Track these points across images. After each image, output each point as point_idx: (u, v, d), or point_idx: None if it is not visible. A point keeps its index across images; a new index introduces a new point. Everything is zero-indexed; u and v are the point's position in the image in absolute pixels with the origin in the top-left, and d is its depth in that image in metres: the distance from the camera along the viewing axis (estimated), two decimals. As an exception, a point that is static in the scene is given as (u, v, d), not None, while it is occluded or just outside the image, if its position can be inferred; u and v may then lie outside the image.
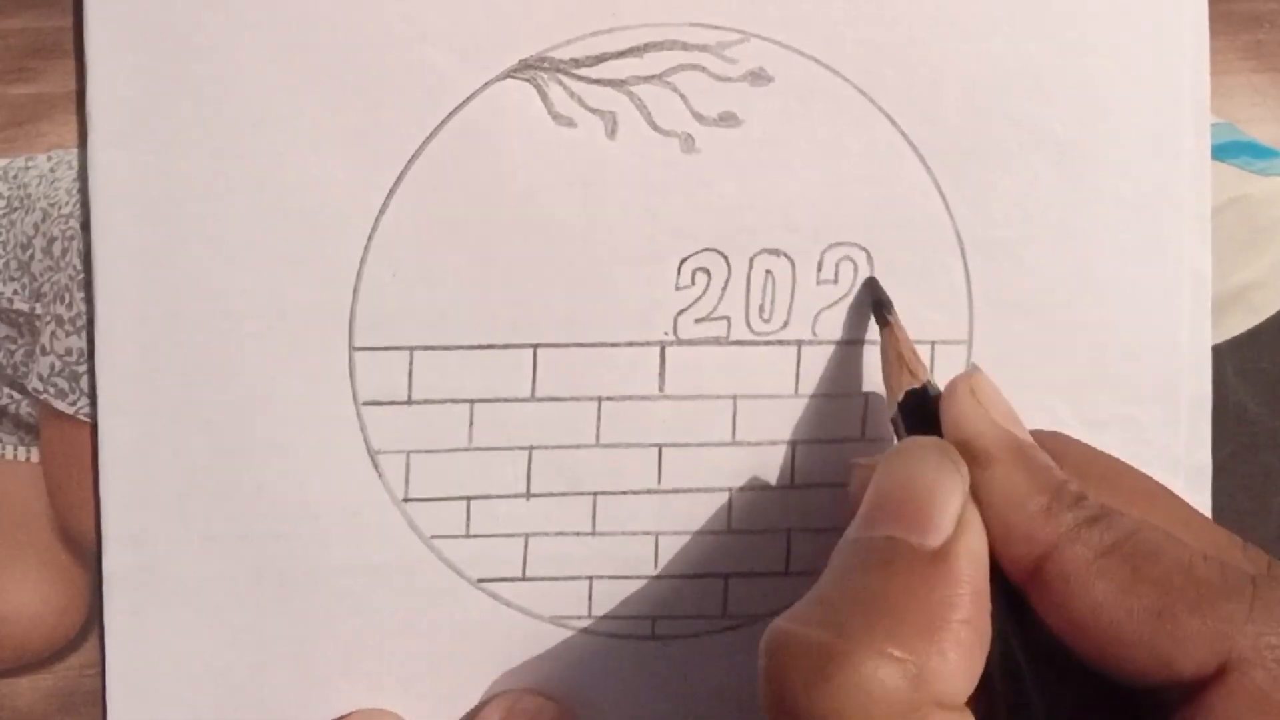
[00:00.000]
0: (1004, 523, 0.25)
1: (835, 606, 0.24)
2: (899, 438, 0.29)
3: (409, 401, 0.31)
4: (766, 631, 0.24)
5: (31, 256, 0.31)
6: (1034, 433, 0.28)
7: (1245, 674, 0.23)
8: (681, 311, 0.32)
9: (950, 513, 0.25)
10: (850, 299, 0.32)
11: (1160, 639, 0.23)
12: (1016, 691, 0.25)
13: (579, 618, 0.32)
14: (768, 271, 0.32)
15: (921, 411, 0.29)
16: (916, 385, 0.29)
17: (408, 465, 0.32)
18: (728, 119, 0.32)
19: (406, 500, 0.32)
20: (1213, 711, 0.23)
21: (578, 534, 0.32)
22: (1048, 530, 0.25)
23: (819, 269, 0.32)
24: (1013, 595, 0.25)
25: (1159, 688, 0.24)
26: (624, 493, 0.32)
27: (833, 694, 0.22)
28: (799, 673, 0.23)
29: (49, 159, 0.31)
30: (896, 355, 0.30)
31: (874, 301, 0.32)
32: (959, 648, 0.23)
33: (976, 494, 0.26)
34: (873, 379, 0.32)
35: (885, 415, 0.32)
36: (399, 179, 0.31)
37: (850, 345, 0.32)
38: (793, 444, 0.33)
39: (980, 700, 0.24)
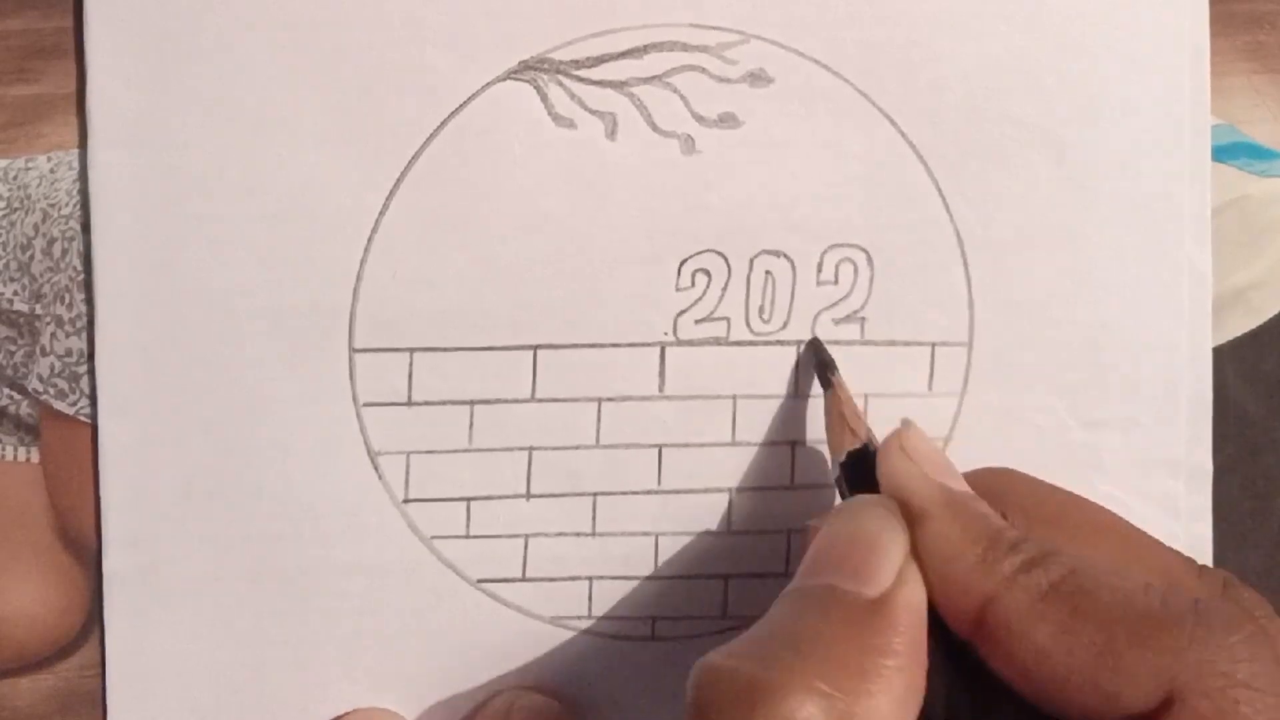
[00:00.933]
0: (942, 577, 0.25)
1: (766, 643, 0.24)
2: (843, 497, 0.30)
3: (409, 402, 0.31)
4: (695, 665, 0.24)
5: (31, 257, 0.31)
6: (982, 471, 0.28)
7: (1189, 704, 0.22)
8: (681, 312, 0.32)
9: (890, 565, 0.25)
10: (850, 299, 0.32)
11: (1104, 676, 0.23)
12: None
13: (579, 618, 0.32)
14: (768, 272, 0.32)
15: (864, 469, 0.29)
16: (858, 445, 0.29)
17: (408, 466, 0.32)
18: (728, 120, 0.32)
19: (406, 501, 0.32)
20: None
21: (578, 534, 0.32)
22: (985, 581, 0.24)
23: (819, 270, 0.32)
24: (957, 651, 0.25)
25: None
26: (624, 493, 0.32)
27: None
28: (726, 704, 0.23)
29: (49, 160, 0.31)
30: (839, 415, 0.30)
31: (818, 362, 0.32)
32: (889, 693, 0.23)
33: (915, 551, 0.25)
34: (872, 381, 0.32)
35: (892, 413, 0.32)
36: (399, 180, 0.31)
37: (850, 346, 0.32)
38: (792, 445, 0.33)
39: None
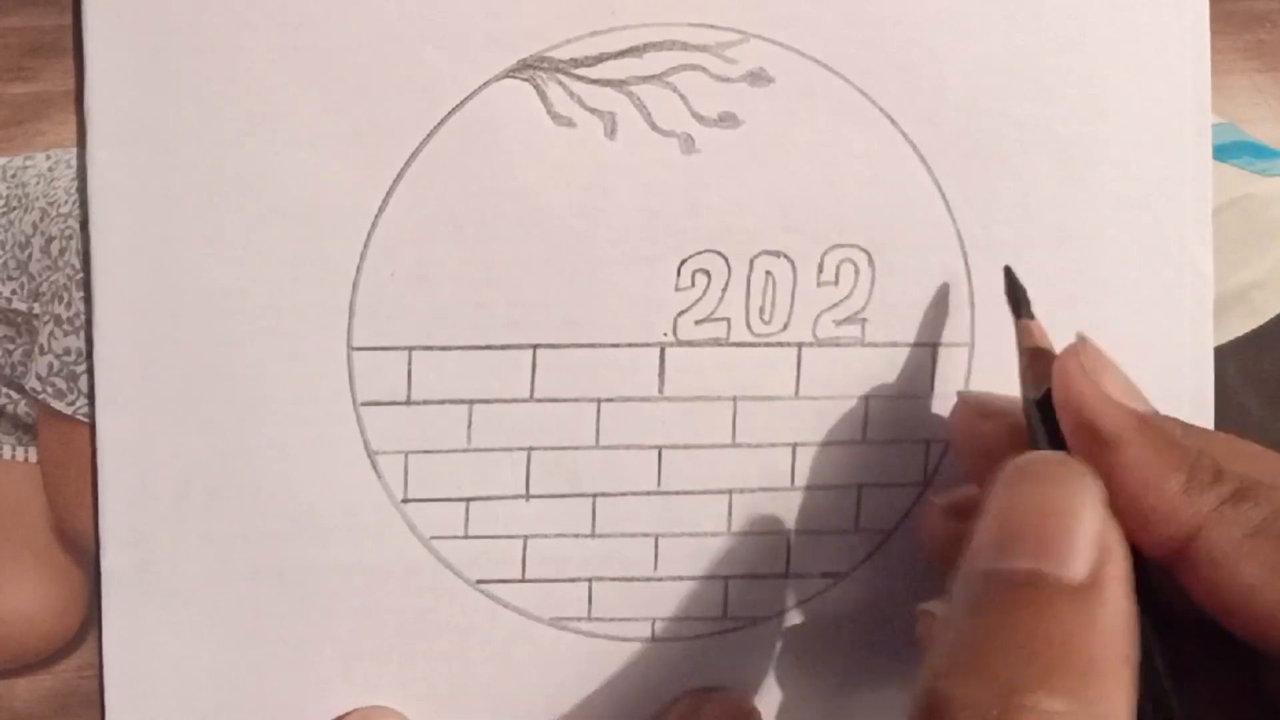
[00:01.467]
0: (1142, 506, 0.24)
1: (992, 659, 0.22)
2: (1032, 437, 0.28)
3: (408, 402, 0.31)
4: (924, 693, 0.22)
5: (30, 256, 0.31)
6: None
7: None
8: (681, 313, 0.32)
9: (1091, 538, 0.23)
10: (851, 300, 0.32)
11: None
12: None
13: (579, 619, 0.32)
14: (768, 273, 0.32)
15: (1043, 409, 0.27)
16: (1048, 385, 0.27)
17: (406, 466, 0.31)
18: (728, 119, 0.32)
19: (405, 501, 0.32)
20: None
21: (577, 535, 0.32)
22: (1190, 512, 0.24)
23: (819, 270, 0.32)
24: (1147, 585, 0.24)
25: None
26: (624, 494, 0.32)
27: None
28: None
29: (47, 158, 0.31)
30: (1034, 349, 0.29)
31: (1010, 292, 0.30)
32: (1122, 685, 0.22)
33: (1109, 479, 0.24)
34: (873, 382, 0.32)
35: (886, 419, 0.32)
36: (398, 178, 0.31)
37: (851, 347, 0.32)
38: (793, 446, 0.32)
39: None
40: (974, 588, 0.23)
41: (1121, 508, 0.24)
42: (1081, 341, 0.27)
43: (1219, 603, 0.23)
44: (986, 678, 0.22)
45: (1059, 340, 0.31)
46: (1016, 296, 0.30)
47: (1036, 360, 0.28)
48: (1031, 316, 0.30)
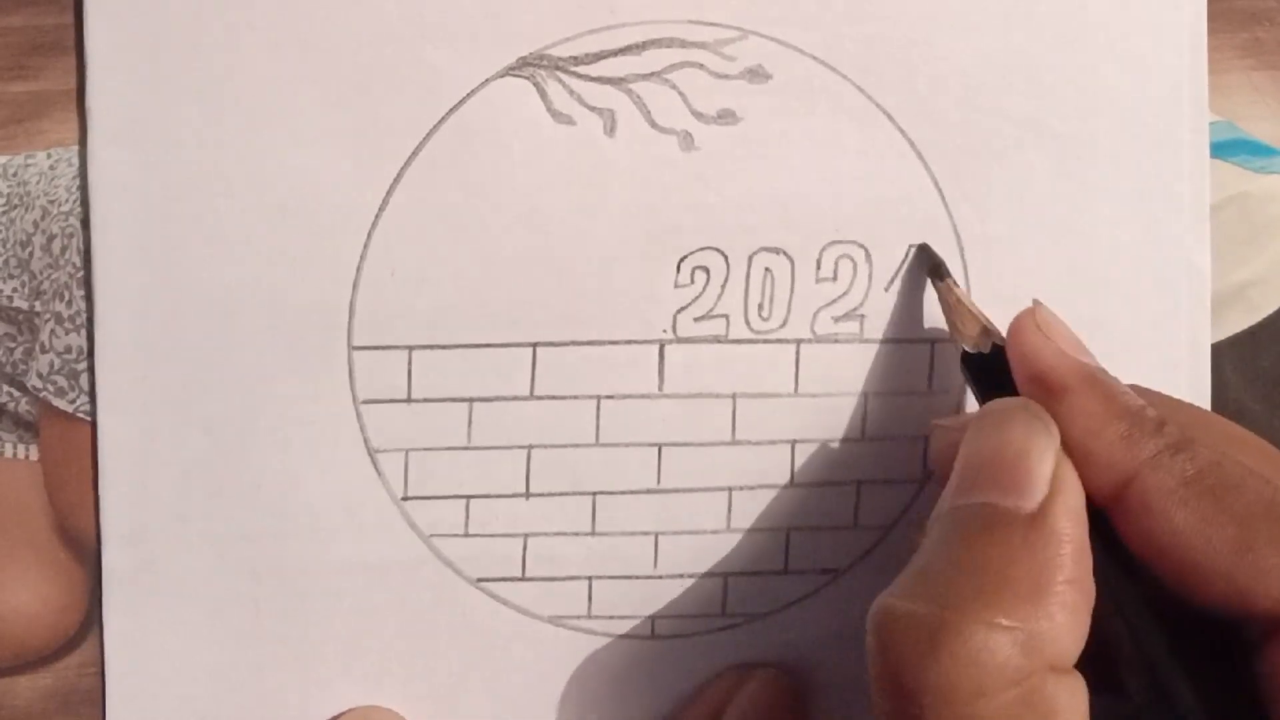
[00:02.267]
0: (1084, 451, 0.25)
1: (938, 578, 0.24)
2: (974, 391, 0.30)
3: (408, 400, 0.31)
4: (873, 609, 0.24)
5: (31, 254, 0.31)
6: None
7: None
8: (681, 310, 0.32)
9: (1044, 473, 0.24)
10: (849, 296, 0.32)
11: (1239, 572, 0.23)
12: (1128, 640, 0.25)
13: (578, 617, 0.32)
14: (767, 269, 0.32)
15: (991, 364, 0.29)
16: (979, 332, 0.30)
17: (407, 464, 0.32)
18: (726, 117, 0.32)
19: (405, 499, 0.32)
20: None
21: (577, 533, 0.32)
22: (1129, 457, 0.25)
23: (818, 267, 0.32)
24: (1109, 537, 0.25)
25: (1241, 622, 0.24)
26: (623, 492, 0.32)
27: (944, 666, 0.22)
28: (909, 647, 0.23)
29: (49, 156, 0.31)
30: (958, 303, 0.30)
31: (930, 265, 0.32)
32: (1065, 610, 0.23)
33: (1058, 425, 0.25)
34: (872, 378, 0.32)
35: (885, 415, 0.32)
36: (398, 177, 0.31)
37: (850, 344, 0.32)
38: (792, 443, 0.32)
39: (1089, 659, 0.23)
40: (937, 524, 0.25)
41: (1068, 452, 0.25)
42: (1037, 303, 0.28)
43: (1151, 549, 0.24)
44: (931, 595, 0.23)
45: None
46: (936, 264, 0.32)
47: (963, 310, 0.30)
48: (953, 279, 0.31)
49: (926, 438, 0.33)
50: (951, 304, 0.31)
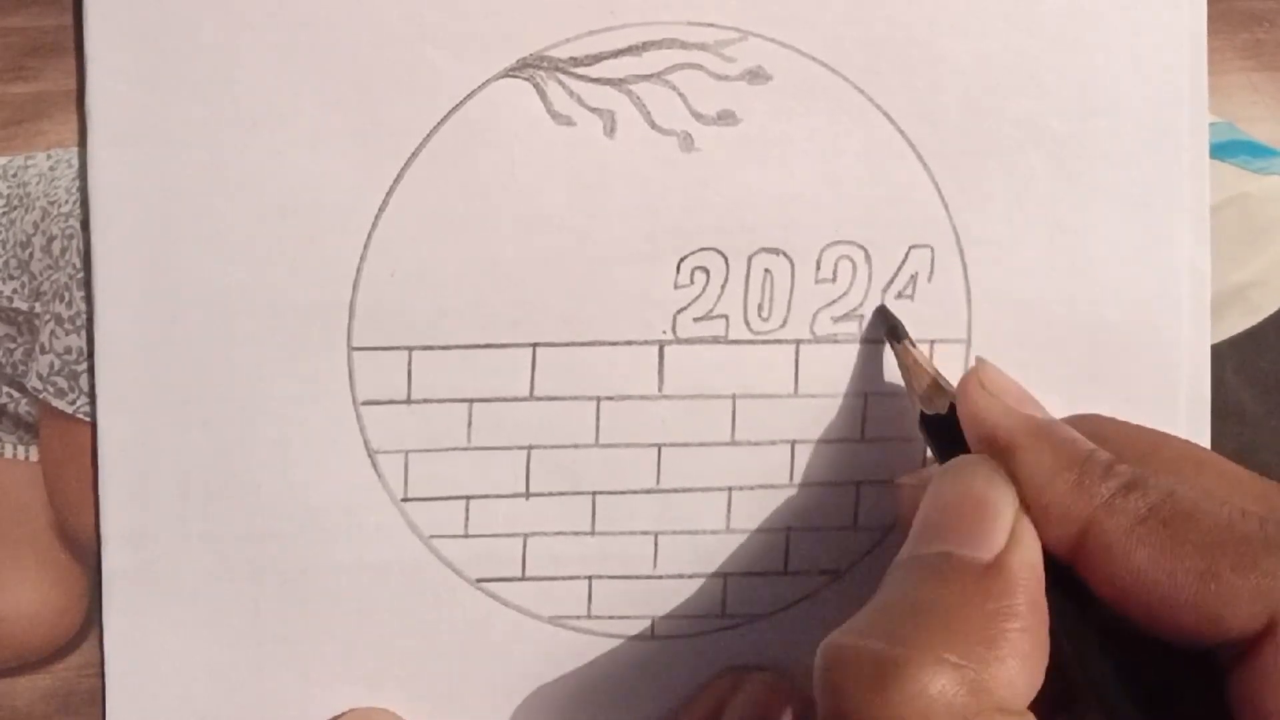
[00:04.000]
0: (1040, 504, 0.25)
1: (890, 617, 0.24)
2: (933, 449, 0.30)
3: (408, 401, 0.31)
4: (822, 646, 0.24)
5: (31, 255, 0.31)
6: (1069, 418, 0.28)
7: None
8: (680, 310, 0.32)
9: (1002, 526, 0.25)
10: (848, 297, 0.32)
11: (1206, 599, 0.23)
12: (1087, 689, 0.25)
13: (578, 618, 0.32)
14: (766, 270, 0.32)
15: (947, 423, 0.29)
16: (930, 388, 0.30)
17: (406, 465, 0.32)
18: (726, 117, 0.32)
19: (405, 500, 0.32)
20: (1266, 667, 0.23)
21: (577, 534, 0.32)
22: (1083, 504, 0.25)
23: (817, 268, 0.32)
24: (1070, 588, 0.25)
25: (1211, 648, 0.24)
26: (623, 492, 0.32)
27: (892, 703, 0.22)
28: (857, 683, 0.23)
29: (48, 157, 0.31)
30: (914, 364, 0.31)
31: (887, 327, 0.32)
32: (1017, 655, 0.23)
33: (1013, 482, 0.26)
34: (871, 379, 0.32)
35: (884, 416, 0.32)
36: (398, 178, 0.31)
37: (849, 344, 0.32)
38: (792, 443, 0.32)
39: (1043, 706, 0.23)
40: (893, 571, 0.25)
41: (1025, 507, 0.25)
42: (981, 362, 0.29)
43: (1117, 592, 0.24)
44: (881, 632, 0.23)
45: (1050, 332, 0.33)
46: (893, 326, 0.32)
47: (919, 370, 0.31)
48: (910, 340, 0.32)
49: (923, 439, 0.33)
50: (909, 365, 0.31)
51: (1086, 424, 0.28)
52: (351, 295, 0.31)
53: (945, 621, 0.23)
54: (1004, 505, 0.25)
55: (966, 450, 0.28)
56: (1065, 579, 0.25)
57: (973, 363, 0.32)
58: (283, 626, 0.31)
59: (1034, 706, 0.23)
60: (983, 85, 0.32)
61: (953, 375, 0.32)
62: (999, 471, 0.26)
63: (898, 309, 0.32)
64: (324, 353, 0.31)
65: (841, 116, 0.32)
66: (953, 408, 0.29)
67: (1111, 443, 0.27)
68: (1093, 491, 0.25)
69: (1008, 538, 0.24)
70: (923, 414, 0.30)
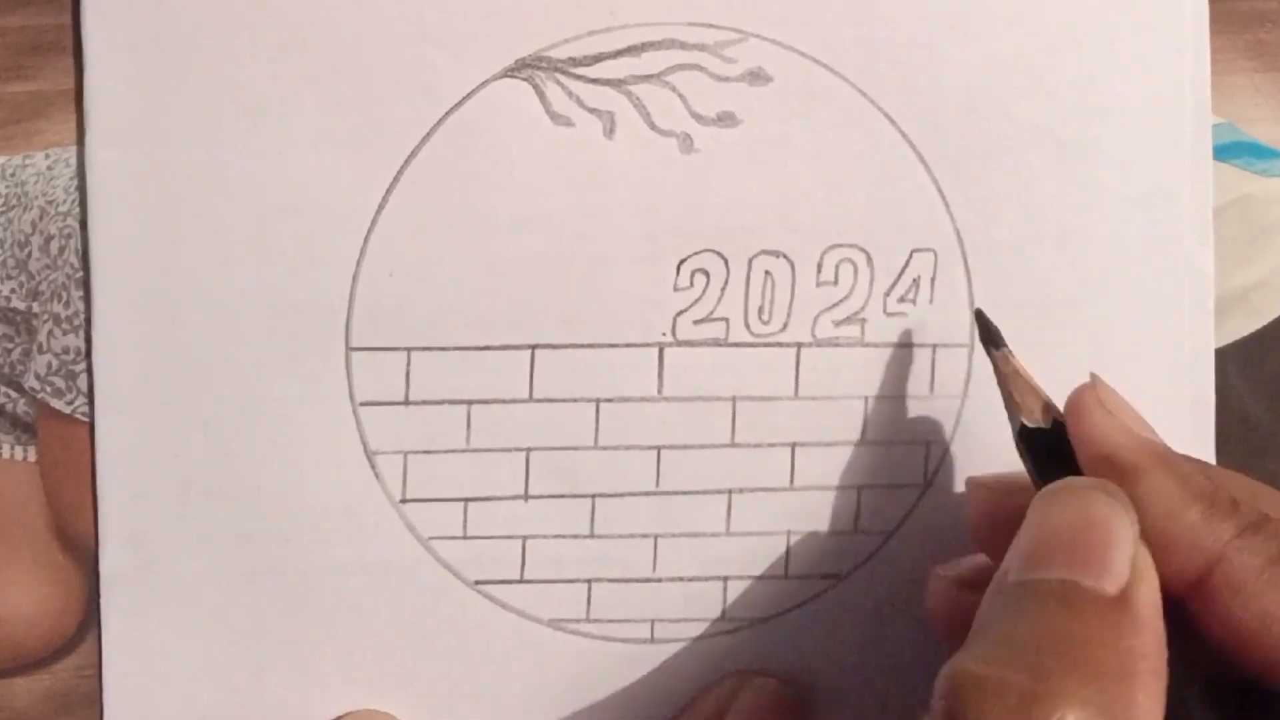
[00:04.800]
0: (1163, 534, 0.24)
1: (1023, 648, 0.23)
2: (1027, 466, 0.29)
3: (406, 402, 0.31)
4: (949, 673, 0.23)
5: (29, 254, 0.31)
6: None
7: None
8: (680, 312, 0.32)
9: (1126, 555, 0.24)
10: (850, 300, 0.32)
11: None
12: None
13: (577, 620, 0.32)
14: (767, 273, 0.32)
15: (1048, 439, 0.28)
16: (1037, 409, 0.29)
17: (405, 466, 0.31)
18: (726, 119, 0.32)
19: (404, 501, 0.32)
20: None
21: (576, 536, 0.32)
22: (1211, 539, 0.24)
23: (818, 270, 0.32)
24: (1179, 626, 0.24)
25: None
26: (622, 495, 0.32)
27: None
28: (995, 715, 0.22)
29: (47, 157, 0.31)
30: (1015, 374, 0.29)
31: (983, 332, 0.31)
32: (1149, 695, 0.22)
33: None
34: (872, 382, 0.32)
35: (885, 419, 0.32)
36: (396, 178, 0.31)
37: (850, 348, 0.32)
38: (792, 446, 0.32)
39: None
40: (1006, 596, 0.24)
41: (1145, 537, 0.24)
42: (1096, 379, 0.28)
43: (1237, 634, 0.24)
44: (1018, 663, 0.22)
45: (1054, 335, 0.33)
46: (992, 332, 0.30)
47: (1019, 382, 0.29)
48: (1007, 348, 0.30)
49: (928, 443, 0.32)
50: (1008, 374, 0.29)
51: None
52: (350, 296, 0.31)
53: (1084, 657, 0.22)
54: (1127, 533, 0.24)
55: (1074, 470, 0.27)
56: (1174, 617, 0.24)
57: (976, 368, 0.32)
58: (281, 627, 0.31)
59: None
60: (985, 87, 0.32)
61: (956, 382, 0.32)
62: (1120, 496, 0.25)
63: (897, 312, 0.32)
64: (322, 353, 0.31)
65: (843, 118, 0.32)
66: (1057, 424, 0.28)
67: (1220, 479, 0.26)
68: (1221, 527, 0.24)
69: (1131, 569, 0.23)
70: (1025, 427, 0.29)
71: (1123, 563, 0.23)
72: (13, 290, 0.31)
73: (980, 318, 0.31)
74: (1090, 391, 0.27)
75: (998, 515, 0.29)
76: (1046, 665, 0.22)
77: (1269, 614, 0.23)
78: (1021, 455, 0.29)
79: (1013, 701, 0.22)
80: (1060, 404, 0.28)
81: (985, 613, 0.24)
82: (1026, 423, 0.28)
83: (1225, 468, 0.27)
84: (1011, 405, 0.29)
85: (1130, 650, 0.23)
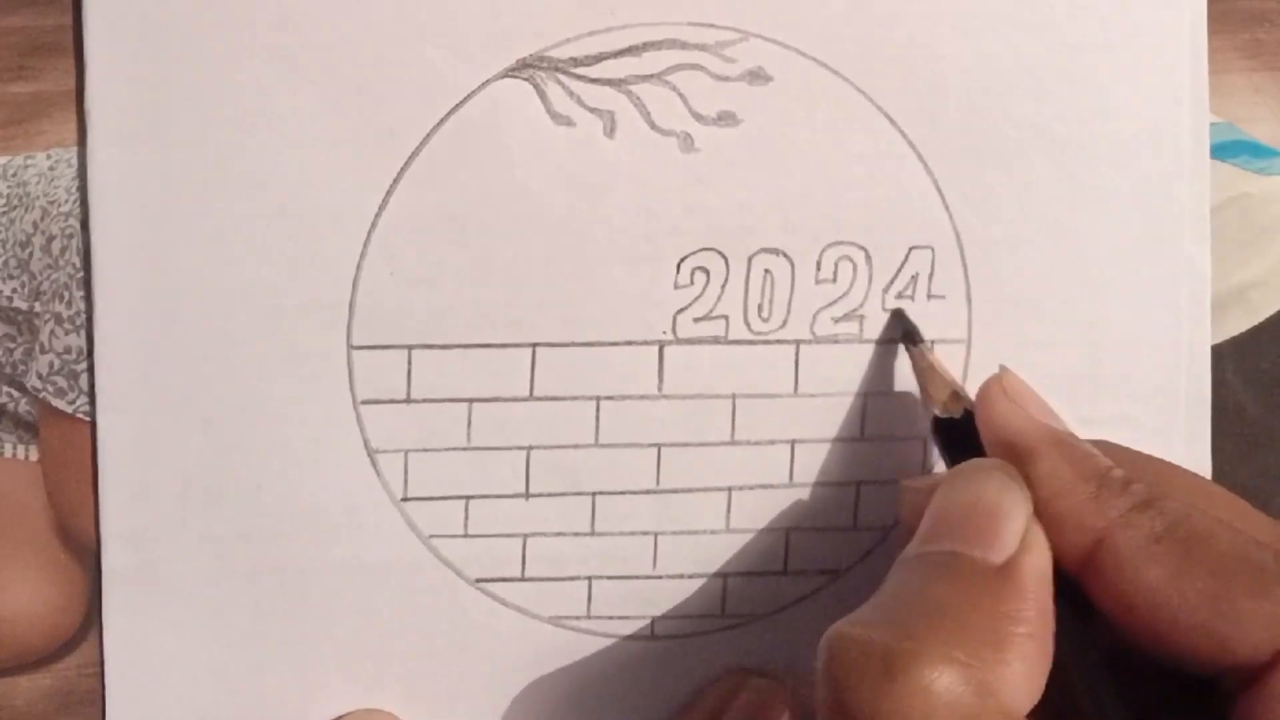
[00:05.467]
0: (1054, 513, 0.25)
1: (898, 611, 0.24)
2: (942, 453, 0.30)
3: (407, 400, 0.31)
4: (826, 635, 0.24)
5: (30, 254, 0.31)
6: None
7: None
8: (680, 311, 0.32)
9: (1014, 529, 0.25)
10: (848, 297, 0.32)
11: (1216, 622, 0.23)
12: (1086, 700, 0.25)
13: (578, 618, 0.32)
14: (766, 271, 0.32)
15: (959, 427, 0.29)
16: (949, 396, 0.30)
17: (406, 464, 0.32)
18: (726, 118, 0.32)
19: (405, 500, 0.32)
20: (1271, 696, 0.23)
21: (576, 534, 0.32)
22: (1098, 517, 0.25)
23: (818, 268, 0.32)
24: (1074, 600, 0.25)
25: (1217, 674, 0.24)
26: (623, 493, 0.32)
27: (896, 695, 0.22)
28: (862, 673, 0.22)
29: (48, 157, 0.31)
30: (931, 368, 0.31)
31: (903, 331, 0.32)
32: (1023, 660, 0.23)
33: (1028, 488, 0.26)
34: (872, 379, 0.32)
35: (884, 416, 0.32)
36: (397, 178, 0.31)
37: (850, 345, 0.32)
38: (792, 443, 0.32)
39: (1039, 718, 0.23)
40: (900, 568, 0.25)
41: (1038, 515, 0.25)
42: (1004, 369, 0.29)
43: (1124, 609, 0.24)
44: (889, 625, 0.23)
45: (1051, 333, 0.33)
46: (909, 329, 0.32)
47: (934, 375, 0.31)
48: (926, 344, 0.32)
49: (927, 439, 0.33)
50: (924, 369, 0.31)
51: (1097, 447, 0.28)
52: (351, 294, 0.31)
53: (954, 619, 0.23)
54: (1018, 509, 0.25)
55: (980, 456, 0.28)
56: (1070, 592, 0.25)
57: (973, 365, 0.32)
58: (282, 626, 0.31)
59: (1032, 716, 0.23)
60: (984, 86, 0.32)
61: (955, 376, 0.32)
62: (1015, 476, 0.26)
63: (897, 307, 0.32)
64: (323, 352, 0.31)
65: (842, 117, 0.32)
66: (967, 413, 0.29)
67: (1123, 464, 0.27)
68: (1109, 505, 0.25)
69: (1020, 542, 0.24)
70: (936, 418, 0.30)
71: (1012, 536, 0.24)
72: (15, 290, 0.31)
73: (899, 316, 0.32)
74: (996, 382, 0.28)
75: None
76: (915, 626, 0.23)
77: (1151, 588, 0.24)
78: (935, 444, 0.31)
79: (876, 658, 0.22)
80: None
81: (880, 586, 0.25)
82: (938, 413, 0.30)
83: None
84: (925, 397, 0.31)
85: (1006, 615, 0.23)
